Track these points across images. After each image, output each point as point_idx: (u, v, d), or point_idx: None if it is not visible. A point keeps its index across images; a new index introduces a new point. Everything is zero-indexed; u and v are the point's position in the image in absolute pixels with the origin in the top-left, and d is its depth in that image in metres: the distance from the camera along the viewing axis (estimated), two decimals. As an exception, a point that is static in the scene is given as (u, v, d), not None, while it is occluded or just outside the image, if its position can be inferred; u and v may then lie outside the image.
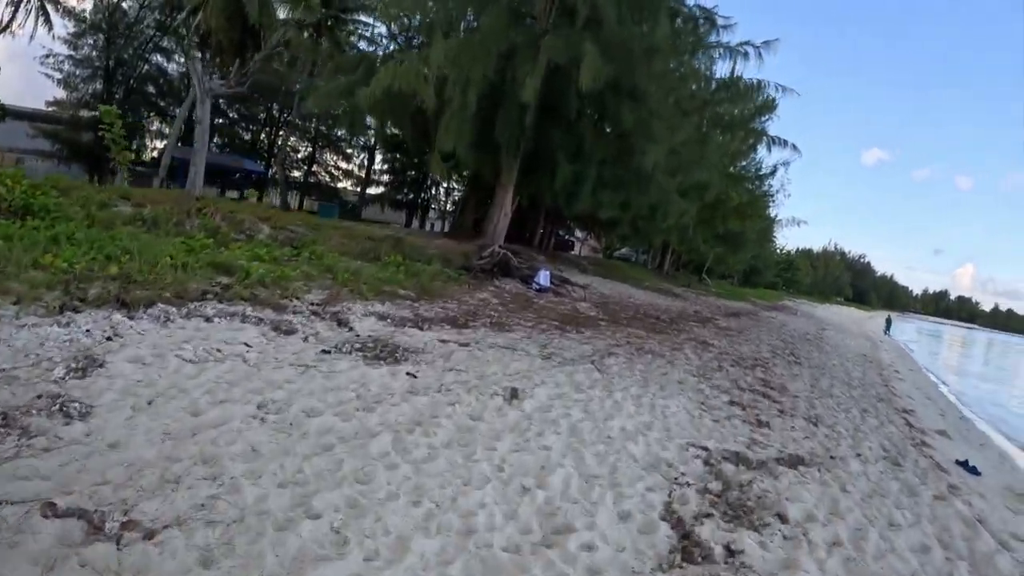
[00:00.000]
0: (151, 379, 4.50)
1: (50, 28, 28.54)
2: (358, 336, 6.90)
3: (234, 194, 32.09)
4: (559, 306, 12.98)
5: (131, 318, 5.63)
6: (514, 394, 5.80)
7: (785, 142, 16.61)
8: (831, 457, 6.01)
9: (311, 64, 24.31)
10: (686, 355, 10.34)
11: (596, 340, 9.76)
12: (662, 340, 11.50)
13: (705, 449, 5.43)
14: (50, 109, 31.30)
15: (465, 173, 21.34)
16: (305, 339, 6.39)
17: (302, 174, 40.55)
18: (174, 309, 6.16)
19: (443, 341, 7.42)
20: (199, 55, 19.92)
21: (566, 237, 50.13)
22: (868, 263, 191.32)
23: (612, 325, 12.02)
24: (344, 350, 6.23)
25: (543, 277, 14.42)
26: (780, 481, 4.98)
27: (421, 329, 7.86)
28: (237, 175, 32.03)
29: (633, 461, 4.81)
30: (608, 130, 19.71)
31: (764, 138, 15.40)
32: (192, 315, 6.20)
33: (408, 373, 5.86)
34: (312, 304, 8.03)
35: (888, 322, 48.16)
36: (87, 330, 5.10)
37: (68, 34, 28.52)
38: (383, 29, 23.74)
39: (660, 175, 18.54)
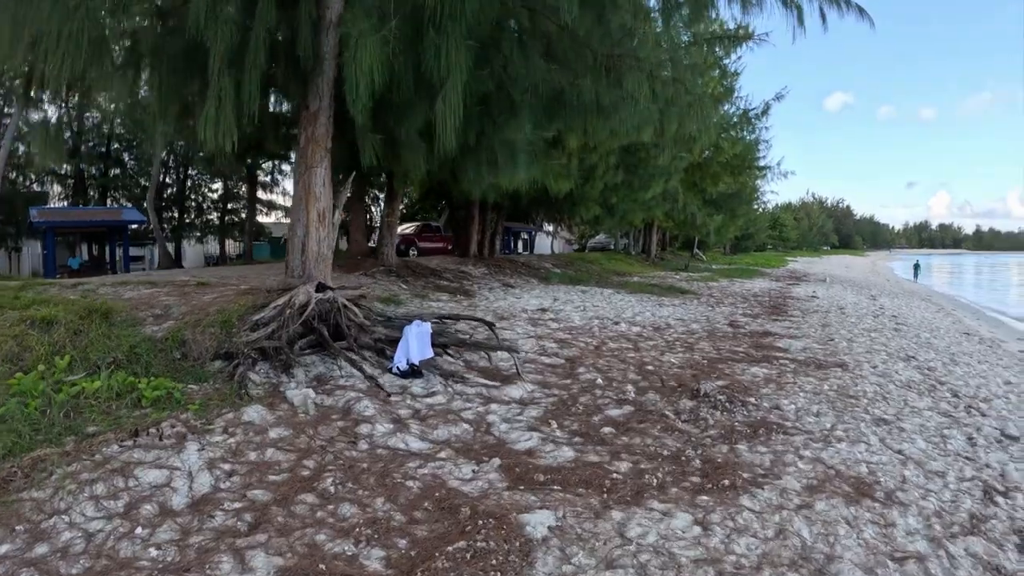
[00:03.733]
0: None
1: None
2: None
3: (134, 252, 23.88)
4: (428, 434, 4.77)
5: None
6: None
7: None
8: None
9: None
10: None
11: None
12: None
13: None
14: None
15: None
16: None
17: (217, 216, 32.42)
18: None
19: None
20: None
21: (531, 231, 42.06)
22: (848, 207, 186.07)
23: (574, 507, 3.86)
24: None
25: (414, 341, 6.20)
26: None
27: None
28: (119, 230, 23.27)
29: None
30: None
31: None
32: None
33: None
34: None
35: (916, 268, 47.05)
36: None
37: None
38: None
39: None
